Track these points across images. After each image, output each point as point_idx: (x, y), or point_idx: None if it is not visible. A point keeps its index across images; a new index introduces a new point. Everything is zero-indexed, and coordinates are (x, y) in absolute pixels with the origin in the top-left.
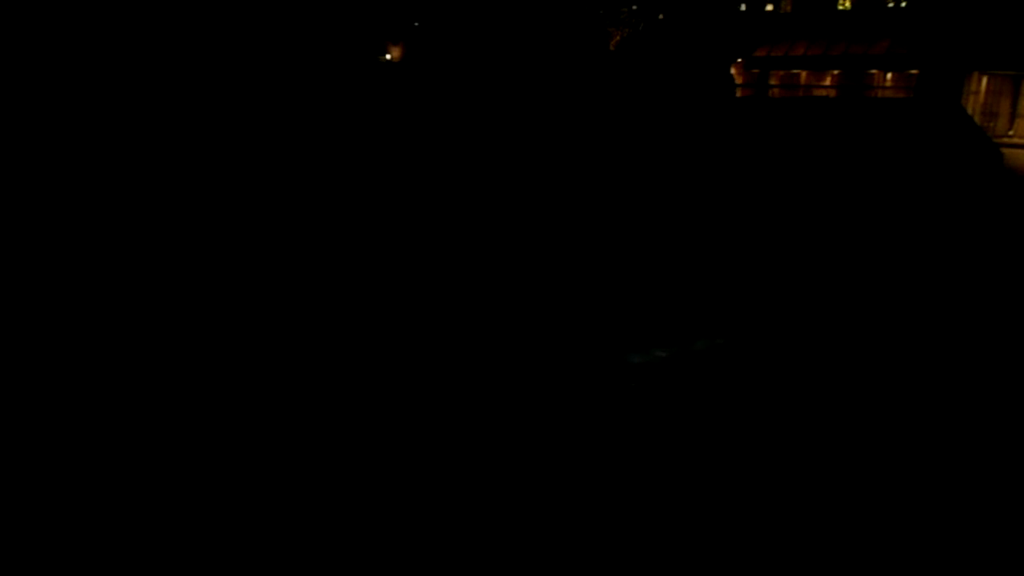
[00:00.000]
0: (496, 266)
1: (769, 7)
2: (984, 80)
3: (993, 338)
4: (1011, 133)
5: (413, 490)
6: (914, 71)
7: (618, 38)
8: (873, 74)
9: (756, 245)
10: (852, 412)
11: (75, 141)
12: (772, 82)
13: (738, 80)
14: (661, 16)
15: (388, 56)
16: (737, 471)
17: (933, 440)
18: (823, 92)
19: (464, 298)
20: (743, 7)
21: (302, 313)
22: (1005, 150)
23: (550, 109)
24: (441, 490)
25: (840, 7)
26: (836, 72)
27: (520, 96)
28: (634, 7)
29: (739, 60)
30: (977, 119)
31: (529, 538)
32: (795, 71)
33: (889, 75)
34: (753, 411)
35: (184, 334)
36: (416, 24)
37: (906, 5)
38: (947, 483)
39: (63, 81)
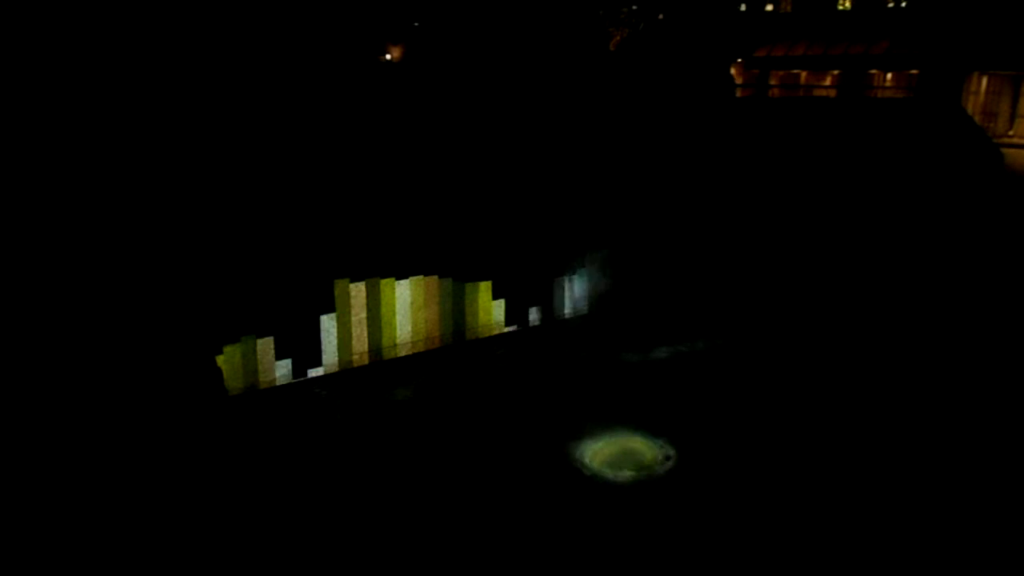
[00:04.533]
0: (493, 265)
1: (769, 7)
2: (984, 80)
3: (992, 335)
4: (1011, 133)
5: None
6: (914, 71)
7: (618, 38)
8: (873, 74)
9: (756, 245)
10: (849, 407)
11: (72, 140)
12: (772, 82)
13: (738, 80)
14: (661, 16)
15: (388, 56)
16: (733, 461)
17: (929, 435)
18: (823, 92)
19: (461, 294)
20: (743, 7)
21: (296, 308)
22: (1005, 150)
23: (550, 109)
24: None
25: (840, 7)
26: (836, 72)
27: (520, 96)
28: (634, 7)
29: (739, 60)
30: (977, 119)
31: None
32: (795, 71)
33: (889, 75)
34: (751, 406)
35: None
36: (416, 24)
37: (906, 5)
38: (942, 476)
39: (62, 80)
